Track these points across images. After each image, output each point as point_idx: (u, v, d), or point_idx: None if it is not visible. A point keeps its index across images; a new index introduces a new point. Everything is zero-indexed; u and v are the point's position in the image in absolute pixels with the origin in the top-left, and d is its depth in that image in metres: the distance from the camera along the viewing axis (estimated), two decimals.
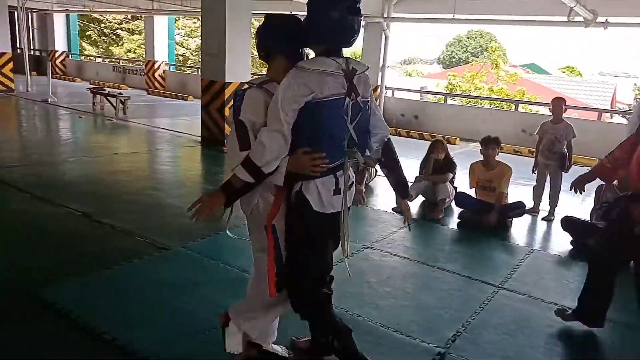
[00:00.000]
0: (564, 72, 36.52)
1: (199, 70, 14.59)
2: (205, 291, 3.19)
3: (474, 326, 3.09)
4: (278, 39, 2.14)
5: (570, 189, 3.35)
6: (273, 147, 1.95)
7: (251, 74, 8.88)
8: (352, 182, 2.22)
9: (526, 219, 5.43)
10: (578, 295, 3.15)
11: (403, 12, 12.21)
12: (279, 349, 2.54)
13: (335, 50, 2.05)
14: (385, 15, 12.04)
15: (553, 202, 5.57)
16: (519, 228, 5.20)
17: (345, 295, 3.30)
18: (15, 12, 15.41)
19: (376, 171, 6.49)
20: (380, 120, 2.27)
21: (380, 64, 12.43)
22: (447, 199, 5.43)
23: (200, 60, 11.82)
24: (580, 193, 3.28)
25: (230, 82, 8.28)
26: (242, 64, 8.42)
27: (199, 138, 8.76)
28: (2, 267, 3.40)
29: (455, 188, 5.61)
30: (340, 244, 2.26)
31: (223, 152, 7.98)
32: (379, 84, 12.47)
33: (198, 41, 26.16)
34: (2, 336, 2.61)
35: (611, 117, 12.01)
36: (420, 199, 5.72)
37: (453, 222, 5.21)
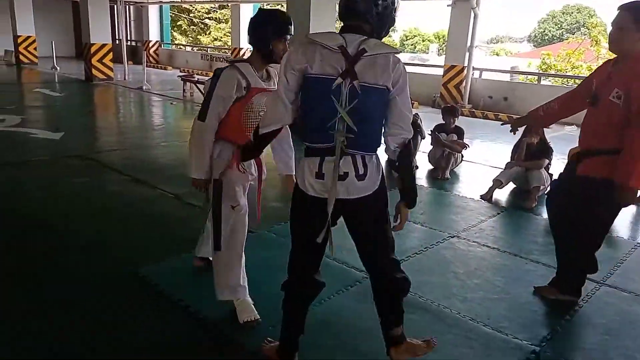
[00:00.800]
0: None
1: None
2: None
3: (572, 324, 2.87)
4: (257, 31, 2.51)
5: (503, 125, 3.49)
6: (272, 110, 2.05)
7: None
8: (346, 173, 1.97)
9: (630, 209, 4.95)
10: None
11: None
12: None
13: (348, 27, 1.97)
14: None
15: None
16: (622, 219, 4.74)
17: (430, 286, 3.20)
18: (115, 6, 16.53)
19: (462, 156, 6.22)
20: (403, 118, 2.02)
21: (468, 44, 11.86)
22: (542, 187, 5.07)
23: None
24: (514, 133, 3.35)
25: None
26: None
27: None
28: (105, 245, 3.66)
29: (551, 175, 5.22)
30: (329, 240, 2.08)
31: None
32: (466, 64, 11.93)
33: None
34: (105, 309, 2.81)
35: None
36: (511, 186, 5.40)
37: None
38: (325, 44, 1.91)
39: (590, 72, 3.20)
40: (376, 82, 1.91)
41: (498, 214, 4.76)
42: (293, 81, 1.96)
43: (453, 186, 5.64)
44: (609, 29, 2.78)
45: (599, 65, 3.11)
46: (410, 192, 2.09)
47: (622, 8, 2.67)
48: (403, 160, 2.06)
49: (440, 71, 12.82)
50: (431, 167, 6.19)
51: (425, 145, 6.42)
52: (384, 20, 1.99)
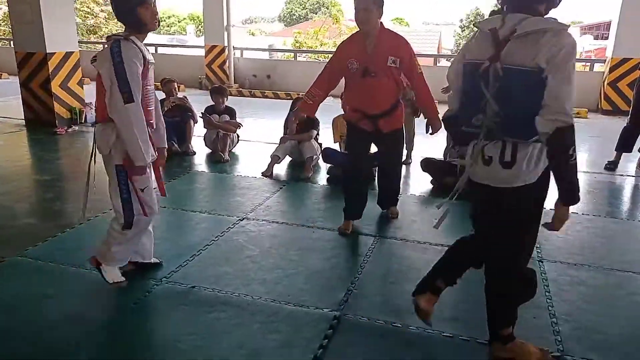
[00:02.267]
0: (394, 23, 39.05)
1: (11, 43, 12.41)
2: (58, 305, 2.66)
3: (355, 283, 2.99)
4: (118, 3, 2.48)
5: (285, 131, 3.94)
6: (450, 98, 2.20)
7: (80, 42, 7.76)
8: (490, 157, 1.98)
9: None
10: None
11: None
12: None
13: (518, 6, 1.90)
14: None
15: (409, 147, 5.82)
16: None
17: (228, 277, 3.03)
18: None
19: (238, 136, 6.16)
20: (553, 97, 1.79)
21: (225, 23, 11.80)
22: (314, 157, 5.35)
23: (10, 30, 10.00)
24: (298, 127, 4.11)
25: (54, 53, 7.15)
26: (66, 30, 7.32)
27: (23, 121, 7.50)
28: None
29: (321, 144, 5.55)
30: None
31: (56, 134, 6.91)
32: (226, 44, 11.89)
33: (4, 8, 22.41)
34: None
35: (438, 62, 13.04)
36: (287, 159, 5.57)
37: (323, 179, 5.15)
38: (482, 27, 1.94)
39: (338, 50, 3.60)
40: (523, 63, 1.82)
41: (280, 188, 4.84)
42: (459, 70, 2.04)
43: (234, 167, 5.54)
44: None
45: (344, 44, 3.61)
46: (563, 186, 1.86)
47: None
48: (552, 149, 1.83)
49: (202, 52, 12.52)
50: (209, 150, 5.98)
51: (200, 129, 6.15)
52: None
